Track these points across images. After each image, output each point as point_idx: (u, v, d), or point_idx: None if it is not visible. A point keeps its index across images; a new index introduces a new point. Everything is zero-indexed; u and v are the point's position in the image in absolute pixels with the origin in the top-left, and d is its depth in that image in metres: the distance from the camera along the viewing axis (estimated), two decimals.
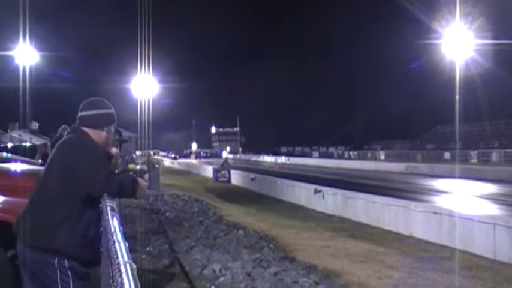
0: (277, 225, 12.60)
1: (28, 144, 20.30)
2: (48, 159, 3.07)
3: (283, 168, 45.34)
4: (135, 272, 1.70)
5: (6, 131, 51.41)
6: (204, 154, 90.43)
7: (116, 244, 2.01)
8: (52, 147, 4.84)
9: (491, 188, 21.60)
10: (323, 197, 15.61)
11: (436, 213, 10.57)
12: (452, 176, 26.52)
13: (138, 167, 3.24)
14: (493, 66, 42.20)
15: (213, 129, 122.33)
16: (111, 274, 1.87)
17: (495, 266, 8.31)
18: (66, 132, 3.40)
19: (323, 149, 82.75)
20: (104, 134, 3.11)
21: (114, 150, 3.70)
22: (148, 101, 34.17)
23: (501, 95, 49.87)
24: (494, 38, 34.43)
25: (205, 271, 6.83)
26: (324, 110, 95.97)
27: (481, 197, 18.58)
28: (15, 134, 48.28)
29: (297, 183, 19.05)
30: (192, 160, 68.94)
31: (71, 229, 2.83)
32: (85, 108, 3.12)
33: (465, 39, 32.26)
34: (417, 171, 33.78)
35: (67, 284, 2.80)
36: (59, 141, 3.12)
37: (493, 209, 15.04)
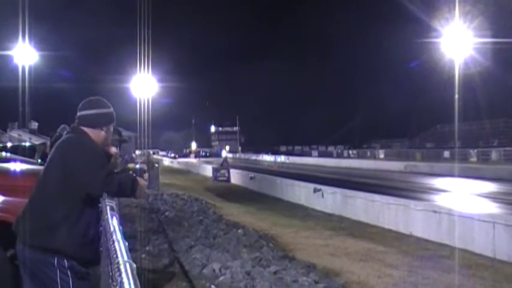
0: (276, 224, 12.59)
1: (27, 143, 20.27)
2: (48, 159, 3.07)
3: (282, 167, 45.35)
4: (135, 272, 1.70)
5: (6, 131, 51.42)
6: (203, 153, 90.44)
7: (116, 243, 2.01)
8: (51, 146, 4.85)
9: (491, 187, 21.60)
10: (322, 196, 15.60)
11: (435, 211, 10.57)
12: (451, 175, 26.54)
13: (136, 166, 3.24)
14: (492, 64, 42.32)
15: (213, 129, 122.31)
16: (110, 273, 1.86)
17: (495, 264, 8.31)
18: (65, 132, 3.40)
19: (322, 148, 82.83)
20: (103, 133, 3.11)
21: (113, 149, 3.69)
22: (148, 101, 34.23)
23: (500, 94, 50.02)
24: (493, 36, 34.52)
25: (204, 270, 6.83)
26: (324, 109, 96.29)
27: (480, 195, 18.58)
28: (14, 133, 48.25)
29: (297, 182, 19.02)
30: (192, 159, 68.91)
31: (70, 229, 2.82)
32: (84, 107, 3.11)
33: (464, 38, 32.31)
34: (416, 170, 33.78)
35: (67, 284, 2.79)
36: (58, 141, 3.12)
37: (493, 208, 15.03)
